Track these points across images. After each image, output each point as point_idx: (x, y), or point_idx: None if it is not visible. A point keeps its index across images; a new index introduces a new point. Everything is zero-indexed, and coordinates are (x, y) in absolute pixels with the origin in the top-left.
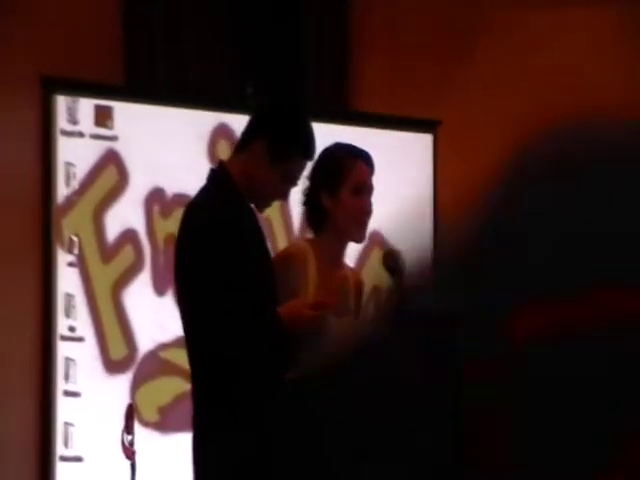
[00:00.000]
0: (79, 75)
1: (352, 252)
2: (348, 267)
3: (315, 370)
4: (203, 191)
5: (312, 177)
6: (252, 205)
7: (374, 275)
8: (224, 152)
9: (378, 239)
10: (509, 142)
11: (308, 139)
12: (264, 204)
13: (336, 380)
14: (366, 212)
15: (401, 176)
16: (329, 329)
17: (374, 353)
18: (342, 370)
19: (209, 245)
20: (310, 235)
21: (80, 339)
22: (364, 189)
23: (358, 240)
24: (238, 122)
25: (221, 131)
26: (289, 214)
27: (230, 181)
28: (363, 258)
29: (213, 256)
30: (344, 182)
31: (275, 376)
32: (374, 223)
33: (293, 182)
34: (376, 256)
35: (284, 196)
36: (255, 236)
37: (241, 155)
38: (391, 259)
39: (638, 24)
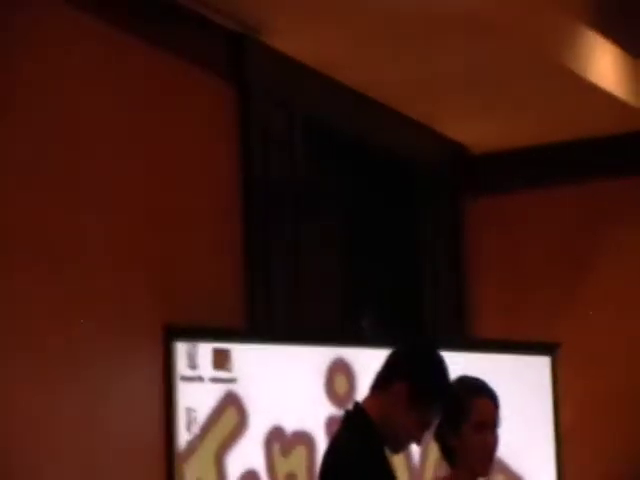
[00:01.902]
0: (200, 319)
1: None
2: None
3: None
4: (343, 435)
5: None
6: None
7: None
8: (342, 387)
9: (501, 466)
10: (629, 363)
11: (448, 385)
12: (400, 447)
13: None
14: (490, 449)
15: (522, 400)
16: None
17: None
18: None
19: None
20: (447, 470)
21: None
22: (487, 425)
23: (484, 474)
24: (355, 355)
25: (338, 366)
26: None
27: (370, 424)
28: None
29: None
30: (465, 420)
31: None
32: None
33: (430, 427)
34: None
35: (419, 440)
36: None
37: (378, 396)
38: None
39: None
